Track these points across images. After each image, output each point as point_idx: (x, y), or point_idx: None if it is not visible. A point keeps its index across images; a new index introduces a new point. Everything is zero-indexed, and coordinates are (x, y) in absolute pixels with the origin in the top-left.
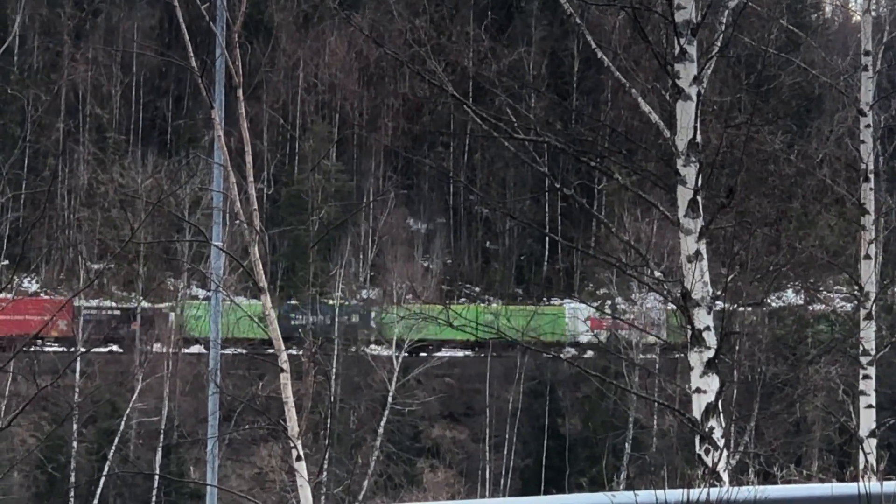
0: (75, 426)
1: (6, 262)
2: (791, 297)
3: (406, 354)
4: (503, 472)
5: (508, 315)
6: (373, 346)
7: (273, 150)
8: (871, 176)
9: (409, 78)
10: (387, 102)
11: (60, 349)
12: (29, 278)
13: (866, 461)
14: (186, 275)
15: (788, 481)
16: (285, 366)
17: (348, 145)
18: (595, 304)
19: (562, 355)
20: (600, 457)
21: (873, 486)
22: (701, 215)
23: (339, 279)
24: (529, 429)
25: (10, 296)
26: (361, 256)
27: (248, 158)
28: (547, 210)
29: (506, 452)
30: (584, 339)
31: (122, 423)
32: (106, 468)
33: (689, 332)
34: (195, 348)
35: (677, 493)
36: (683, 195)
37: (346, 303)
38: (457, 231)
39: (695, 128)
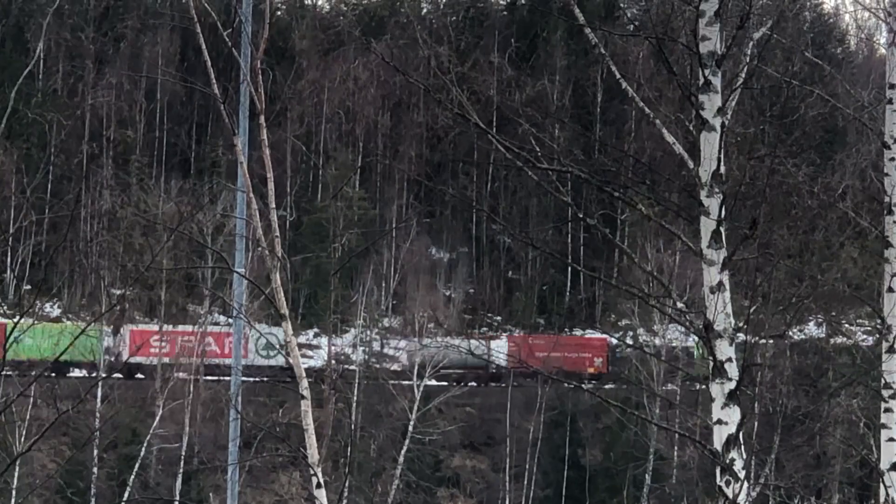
0: (96, 452)
1: (29, 286)
2: (813, 329)
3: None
4: (523, 503)
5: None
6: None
7: (295, 176)
8: (895, 209)
9: (431, 106)
10: (409, 130)
11: (81, 374)
12: (51, 303)
13: (887, 495)
14: (208, 301)
15: None
16: (306, 393)
17: (371, 173)
18: (617, 335)
19: (583, 385)
20: (621, 488)
21: None
22: (724, 246)
23: (360, 307)
24: (550, 459)
25: (31, 320)
26: (383, 285)
27: (271, 185)
28: (569, 240)
29: (526, 482)
30: None
31: (143, 448)
32: (126, 494)
33: (711, 364)
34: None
35: None
36: (706, 226)
37: (368, 331)
38: (479, 260)
39: (719, 159)
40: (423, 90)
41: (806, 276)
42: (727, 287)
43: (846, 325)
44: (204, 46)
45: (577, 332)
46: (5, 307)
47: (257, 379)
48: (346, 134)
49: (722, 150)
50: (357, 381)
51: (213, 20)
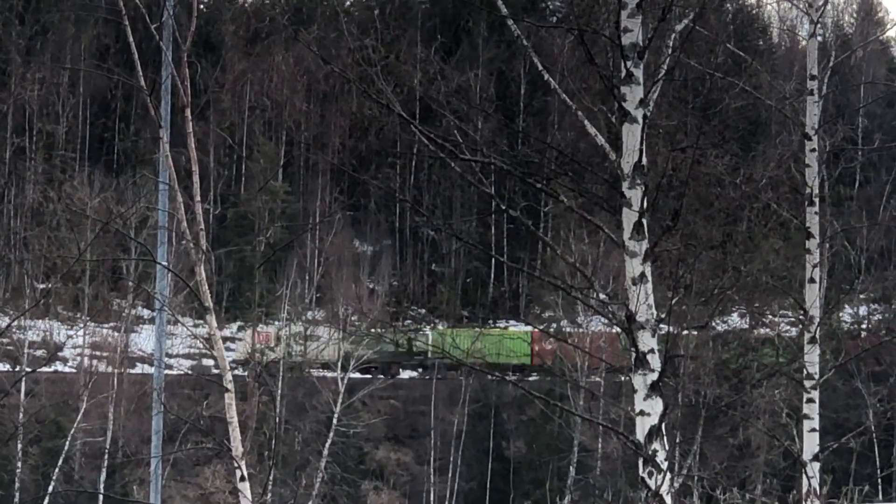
0: (20, 445)
1: None
2: (736, 320)
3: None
4: (447, 495)
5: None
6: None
7: (220, 169)
8: (816, 200)
9: (356, 97)
10: (334, 121)
11: (5, 369)
12: None
13: (809, 485)
14: (132, 294)
15: None
16: (230, 386)
17: (295, 165)
18: (541, 327)
19: (506, 377)
20: (544, 480)
21: None
22: (646, 238)
23: (284, 300)
24: (474, 451)
25: None
26: (307, 277)
27: (196, 178)
28: (493, 232)
29: (450, 475)
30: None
31: (67, 442)
32: (50, 487)
33: (634, 355)
34: (140, 368)
35: None
36: (629, 218)
37: (291, 324)
38: (403, 252)
39: (641, 150)
40: (349, 81)
41: (728, 267)
42: (649, 278)
43: (769, 317)
44: (131, 39)
45: (501, 324)
46: None
47: (181, 371)
48: (270, 126)
49: (644, 142)
50: (281, 373)
51: (140, 12)
